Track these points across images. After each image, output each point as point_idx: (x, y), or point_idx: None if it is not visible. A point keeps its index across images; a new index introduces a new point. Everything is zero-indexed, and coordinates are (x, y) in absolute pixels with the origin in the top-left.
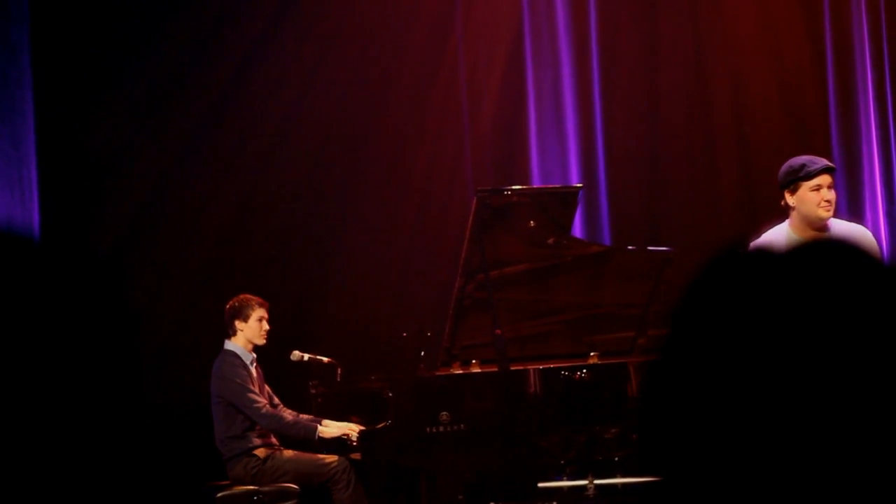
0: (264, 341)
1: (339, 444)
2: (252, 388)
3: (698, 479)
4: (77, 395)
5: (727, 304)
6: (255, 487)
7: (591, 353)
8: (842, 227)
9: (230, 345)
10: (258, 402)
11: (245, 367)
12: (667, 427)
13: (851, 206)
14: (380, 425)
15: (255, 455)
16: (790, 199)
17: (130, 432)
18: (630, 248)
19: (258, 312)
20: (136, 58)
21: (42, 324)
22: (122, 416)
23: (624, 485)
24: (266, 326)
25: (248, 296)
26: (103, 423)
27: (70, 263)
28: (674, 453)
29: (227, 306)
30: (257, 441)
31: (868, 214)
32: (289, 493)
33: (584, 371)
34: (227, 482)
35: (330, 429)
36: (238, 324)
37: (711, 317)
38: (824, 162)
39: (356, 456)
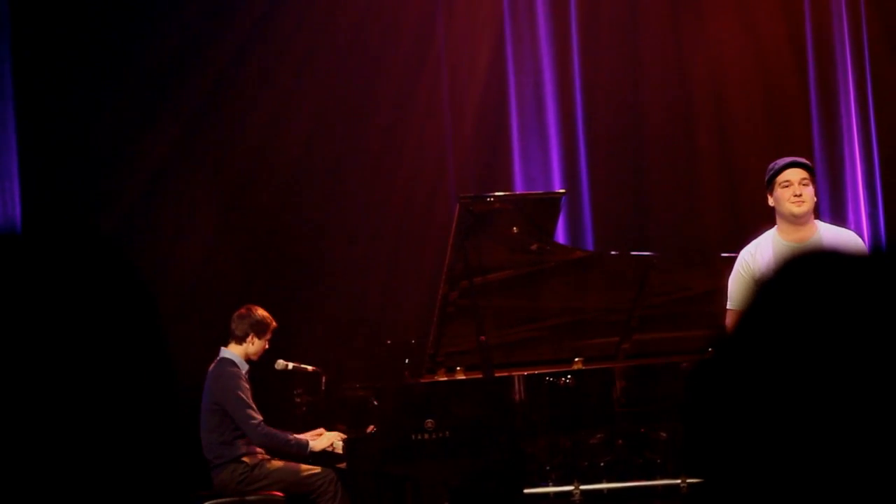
0: (257, 360)
1: (325, 455)
2: (252, 403)
3: (743, 483)
4: (66, 399)
5: (797, 308)
6: (240, 498)
7: (576, 359)
8: (829, 232)
9: (229, 353)
10: (255, 418)
11: (245, 378)
12: (714, 429)
13: (834, 209)
14: (368, 429)
15: (244, 462)
16: (770, 200)
17: (116, 439)
18: (613, 253)
19: (270, 335)
20: (117, 69)
21: (22, 335)
22: (112, 421)
23: (610, 490)
24: (266, 347)
25: (267, 314)
26: (89, 429)
27: (53, 273)
28: (720, 456)
29: (244, 313)
30: (245, 448)
31: (851, 216)
32: (275, 501)
33: (569, 377)
34: (211, 492)
35: (318, 442)
36: (252, 337)
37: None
38: (793, 158)
39: (341, 465)
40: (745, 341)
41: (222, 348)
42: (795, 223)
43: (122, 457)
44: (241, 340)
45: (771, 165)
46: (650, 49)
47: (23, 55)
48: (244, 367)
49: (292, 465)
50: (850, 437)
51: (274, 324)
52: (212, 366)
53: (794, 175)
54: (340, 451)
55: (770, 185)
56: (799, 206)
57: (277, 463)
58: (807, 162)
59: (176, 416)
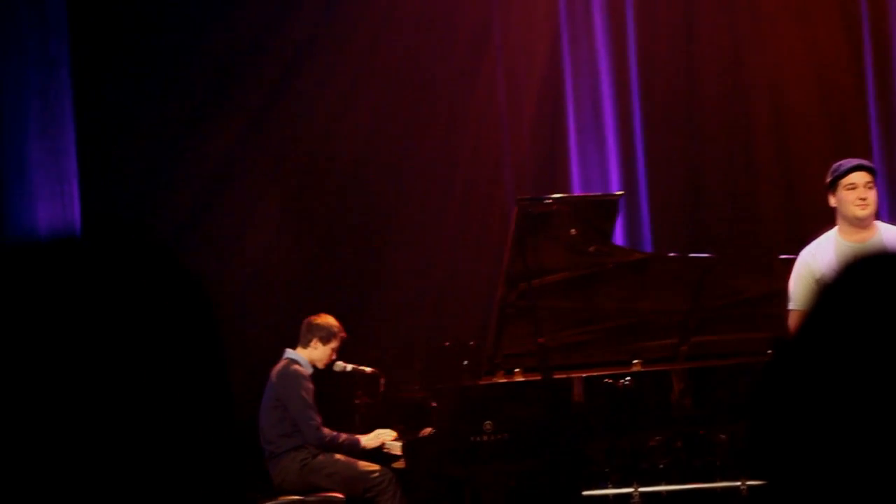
0: (322, 368)
1: (382, 455)
2: (313, 403)
3: (808, 485)
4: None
5: (862, 310)
6: (300, 497)
7: (634, 361)
8: (889, 232)
9: (296, 354)
10: (315, 420)
11: (309, 379)
12: (782, 430)
13: (893, 209)
14: (423, 433)
15: (306, 448)
16: (832, 201)
17: (173, 444)
18: (671, 254)
19: (336, 343)
20: (175, 69)
21: (79, 339)
22: (169, 427)
23: (669, 492)
24: (333, 357)
25: (337, 323)
26: (146, 434)
27: (111, 276)
28: (787, 457)
29: (312, 320)
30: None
31: None
32: (334, 502)
33: (628, 379)
34: (270, 493)
35: (368, 439)
36: (316, 342)
37: (842, 321)
38: (859, 160)
39: (400, 465)
40: (809, 343)
41: (287, 349)
42: (858, 225)
43: (179, 461)
44: (306, 344)
45: (835, 167)
46: (707, 50)
47: (81, 55)
48: (308, 369)
49: (353, 460)
50: None
51: (342, 333)
52: (277, 365)
53: (860, 178)
54: (398, 452)
55: (833, 187)
56: (863, 209)
57: (339, 456)
58: (871, 165)
59: (232, 420)
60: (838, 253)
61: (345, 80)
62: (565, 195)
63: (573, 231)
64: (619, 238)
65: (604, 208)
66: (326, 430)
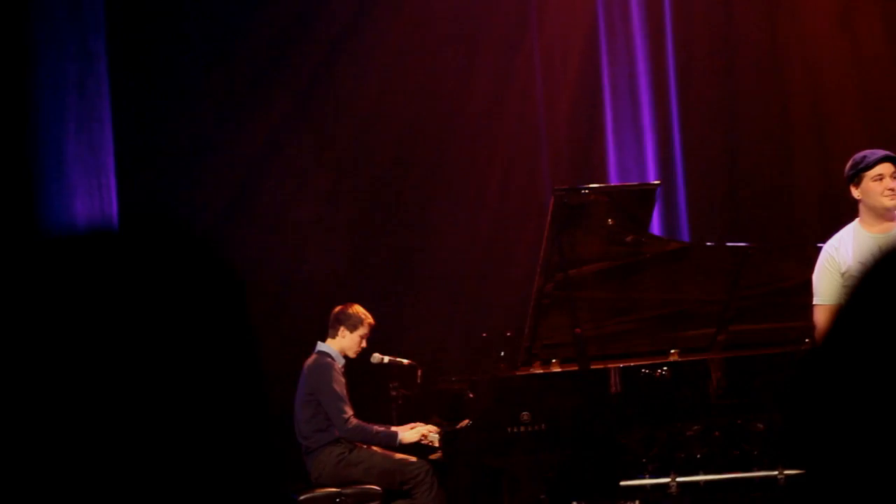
0: (354, 357)
1: (420, 447)
2: (345, 396)
3: (848, 475)
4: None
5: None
6: (338, 490)
7: (672, 351)
8: None
9: (326, 347)
10: (347, 412)
11: (341, 372)
12: (818, 420)
13: None
14: (460, 424)
15: (342, 442)
16: (856, 193)
17: (208, 435)
18: (709, 244)
19: (364, 330)
20: (212, 62)
21: (116, 330)
22: (203, 418)
23: (706, 482)
24: (363, 345)
25: (363, 311)
26: (179, 425)
27: (148, 268)
28: (824, 446)
29: (339, 310)
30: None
31: None
32: (371, 495)
33: (665, 368)
34: (308, 485)
35: (409, 434)
36: (343, 331)
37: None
38: (885, 152)
39: (437, 456)
40: (846, 333)
41: (318, 342)
42: (885, 216)
43: (214, 452)
44: (334, 335)
45: (859, 158)
46: (745, 38)
47: (118, 49)
48: (340, 361)
49: (389, 453)
50: None
51: (369, 320)
52: (309, 359)
53: (887, 169)
54: (436, 444)
55: (857, 178)
56: (892, 199)
57: (375, 449)
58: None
59: (266, 411)
60: (862, 244)
61: (383, 70)
62: (602, 185)
63: (610, 221)
64: (656, 227)
65: (641, 198)
66: (358, 421)
